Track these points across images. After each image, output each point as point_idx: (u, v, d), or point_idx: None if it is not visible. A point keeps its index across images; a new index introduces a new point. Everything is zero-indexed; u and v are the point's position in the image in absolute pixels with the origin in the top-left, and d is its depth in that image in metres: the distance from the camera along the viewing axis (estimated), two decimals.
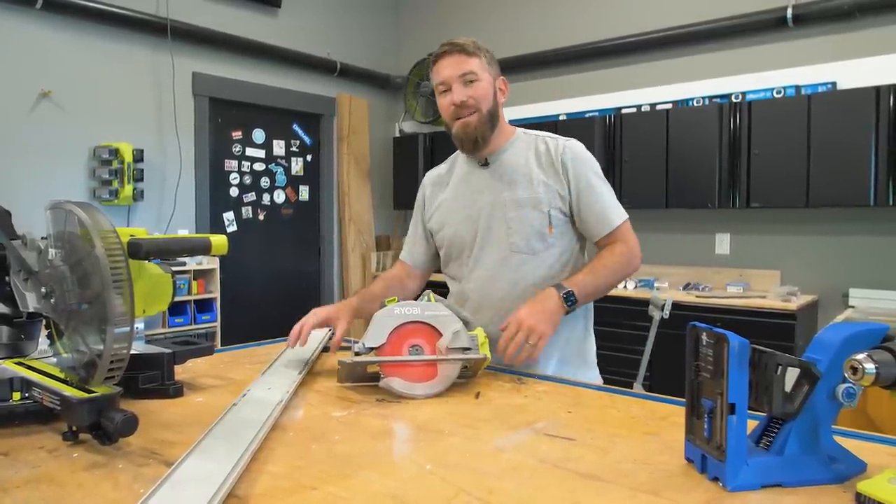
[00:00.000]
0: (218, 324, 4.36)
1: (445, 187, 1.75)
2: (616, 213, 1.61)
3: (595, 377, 1.68)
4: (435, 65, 1.62)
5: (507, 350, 1.41)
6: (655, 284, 4.18)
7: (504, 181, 1.63)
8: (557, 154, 1.61)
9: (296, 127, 5.33)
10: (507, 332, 1.42)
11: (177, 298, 4.02)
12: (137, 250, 1.12)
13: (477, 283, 1.65)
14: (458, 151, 1.75)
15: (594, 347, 1.72)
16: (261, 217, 5.09)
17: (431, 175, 1.82)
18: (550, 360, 1.62)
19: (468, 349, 1.34)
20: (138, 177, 4.07)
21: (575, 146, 1.63)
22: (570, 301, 1.47)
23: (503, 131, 1.67)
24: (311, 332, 1.52)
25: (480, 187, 1.66)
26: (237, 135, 4.91)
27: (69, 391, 0.98)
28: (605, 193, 1.62)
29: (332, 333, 1.56)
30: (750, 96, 3.97)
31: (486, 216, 1.64)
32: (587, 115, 4.59)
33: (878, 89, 3.39)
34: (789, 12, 3.82)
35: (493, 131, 1.63)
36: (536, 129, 1.72)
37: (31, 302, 1.10)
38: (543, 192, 1.60)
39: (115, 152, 3.99)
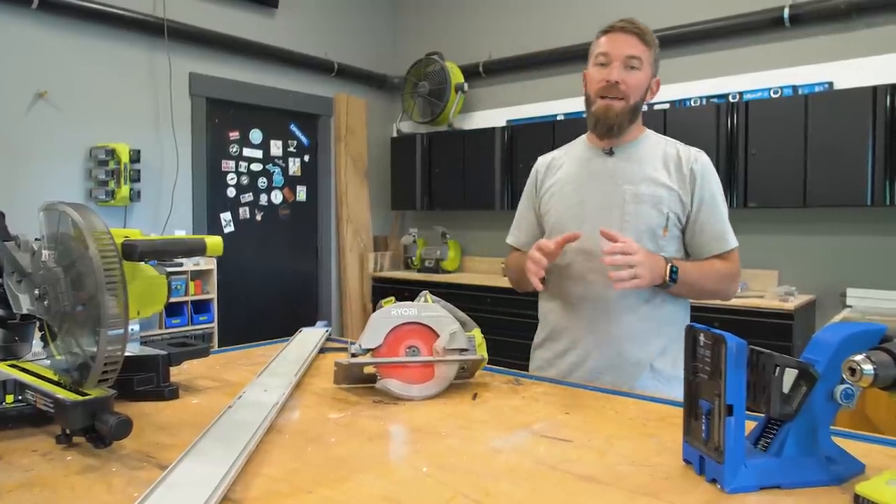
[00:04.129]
0: (215, 325, 4.34)
1: (558, 171, 1.70)
2: (732, 237, 1.58)
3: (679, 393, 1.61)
4: (605, 34, 1.60)
5: (614, 253, 1.35)
6: None
7: (627, 173, 1.59)
8: (689, 162, 1.58)
9: (293, 127, 5.32)
10: (623, 244, 1.37)
11: (174, 299, 4.02)
12: (132, 252, 1.11)
13: (577, 272, 1.58)
14: (578, 138, 1.72)
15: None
16: (258, 218, 5.07)
17: (545, 159, 1.77)
18: (643, 372, 1.54)
19: (465, 350, 1.33)
20: (135, 177, 4.05)
21: (706, 159, 1.61)
22: (672, 276, 1.45)
23: (637, 126, 1.65)
24: (308, 332, 1.52)
25: (600, 175, 1.62)
26: (234, 135, 4.90)
27: (63, 394, 0.97)
28: (724, 214, 1.59)
29: (329, 330, 1.52)
30: (747, 96, 3.97)
31: (600, 206, 1.58)
32: (584, 116, 4.57)
33: (874, 89, 3.39)
34: (786, 12, 3.82)
35: (631, 124, 1.61)
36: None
37: (24, 304, 1.10)
38: (666, 193, 1.56)
39: (112, 153, 3.97)
